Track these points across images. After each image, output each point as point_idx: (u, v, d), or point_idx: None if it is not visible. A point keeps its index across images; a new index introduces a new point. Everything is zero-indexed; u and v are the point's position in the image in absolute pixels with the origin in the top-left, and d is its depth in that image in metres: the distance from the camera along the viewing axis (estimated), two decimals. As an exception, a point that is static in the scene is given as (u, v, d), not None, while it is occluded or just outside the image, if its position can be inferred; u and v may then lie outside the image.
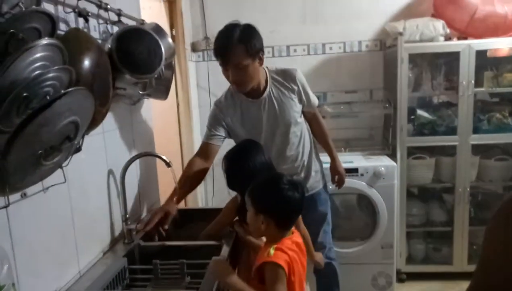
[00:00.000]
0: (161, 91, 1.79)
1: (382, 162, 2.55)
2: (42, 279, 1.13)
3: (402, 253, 2.71)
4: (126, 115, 1.74)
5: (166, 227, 1.63)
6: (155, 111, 2.42)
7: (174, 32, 2.71)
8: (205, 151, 1.88)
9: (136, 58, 1.40)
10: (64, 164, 1.14)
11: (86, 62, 1.17)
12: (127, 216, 1.58)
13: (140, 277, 1.45)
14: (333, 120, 2.93)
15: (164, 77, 1.67)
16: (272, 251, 1.19)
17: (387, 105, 2.71)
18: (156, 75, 1.51)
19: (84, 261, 1.35)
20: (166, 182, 2.03)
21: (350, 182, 2.43)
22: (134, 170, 1.80)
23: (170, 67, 1.80)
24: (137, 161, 1.80)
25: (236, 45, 1.63)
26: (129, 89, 1.52)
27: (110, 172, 1.56)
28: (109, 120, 1.57)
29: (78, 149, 1.30)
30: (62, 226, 1.23)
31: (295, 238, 1.28)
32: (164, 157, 1.63)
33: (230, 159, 1.64)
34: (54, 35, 1.05)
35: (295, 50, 2.94)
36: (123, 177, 1.56)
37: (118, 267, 1.38)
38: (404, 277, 2.77)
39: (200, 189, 2.90)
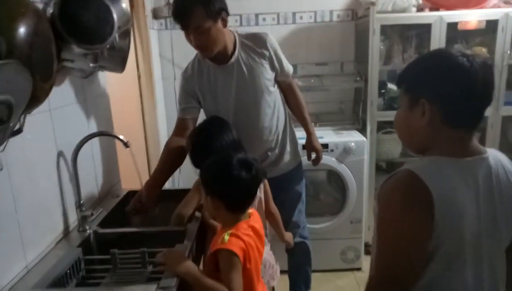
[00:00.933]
0: (117, 63, 1.62)
1: (352, 137, 2.51)
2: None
3: (371, 226, 2.73)
4: (77, 90, 1.56)
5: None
6: (114, 85, 2.24)
7: (133, -3, 2.48)
8: (182, 128, 1.77)
9: (83, 26, 1.23)
10: (1, 149, 0.99)
11: (21, 30, 0.99)
12: (81, 201, 1.45)
13: (98, 268, 1.34)
14: (303, 93, 2.81)
15: (119, 47, 1.50)
16: (226, 237, 1.12)
17: (358, 78, 2.64)
18: (108, 46, 1.34)
19: (32, 254, 1.22)
20: (129, 161, 1.89)
21: (320, 157, 2.38)
22: (89, 151, 1.65)
23: (127, 35, 1.62)
24: (94, 141, 1.65)
25: (194, 7, 1.50)
26: (78, 61, 1.35)
27: (60, 154, 1.41)
28: (57, 97, 1.40)
29: (18, 131, 1.14)
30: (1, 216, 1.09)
31: (252, 221, 1.22)
32: (121, 137, 1.49)
33: (195, 138, 1.53)
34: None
35: (264, 19, 2.79)
36: (74, 160, 1.41)
37: (72, 259, 1.26)
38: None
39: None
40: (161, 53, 2.80)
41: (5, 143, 0.99)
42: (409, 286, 0.85)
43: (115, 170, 1.91)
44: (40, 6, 1.23)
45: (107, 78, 1.86)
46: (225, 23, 1.61)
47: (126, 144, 1.50)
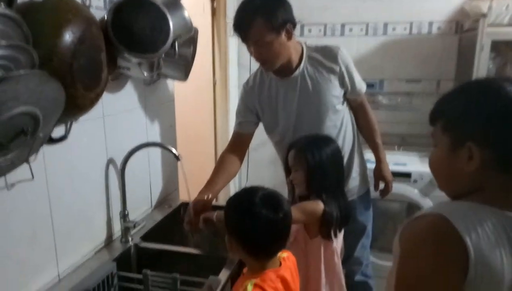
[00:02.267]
0: (179, 71, 1.56)
1: (442, 169, 2.14)
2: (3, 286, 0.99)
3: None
4: (138, 97, 1.55)
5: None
6: (187, 92, 2.23)
7: (215, 4, 2.46)
8: (236, 142, 1.68)
9: (136, 34, 1.18)
10: (31, 159, 0.97)
11: (64, 38, 0.96)
12: (126, 211, 1.41)
13: (129, 287, 1.28)
14: (387, 112, 2.54)
15: (181, 56, 1.44)
16: (249, 287, 0.95)
17: (455, 100, 2.25)
18: (164, 54, 1.28)
19: (66, 263, 1.21)
20: (194, 172, 1.85)
21: (399, 187, 2.08)
22: (145, 159, 1.62)
23: (191, 43, 1.56)
24: (152, 148, 1.62)
25: (255, 18, 1.36)
26: (133, 69, 1.31)
27: (111, 162, 1.39)
28: (113, 103, 1.39)
29: (62, 138, 1.13)
30: (32, 226, 1.07)
31: (283, 270, 1.03)
32: (172, 149, 1.42)
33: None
34: (13, 3, 0.85)
35: (350, 30, 2.55)
36: (122, 169, 1.38)
37: (103, 273, 1.21)
38: None
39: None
40: (239, 61, 2.74)
41: (36, 153, 0.97)
42: None
43: (173, 179, 1.87)
44: (102, 13, 1.22)
45: (180, 85, 1.83)
46: (290, 36, 1.45)
47: (177, 158, 1.43)
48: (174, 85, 1.84)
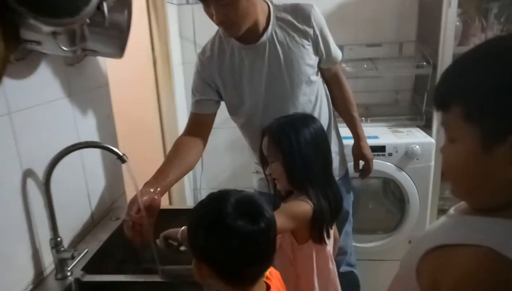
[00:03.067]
0: (112, 44, 1.18)
1: (416, 138, 1.99)
2: None
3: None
4: (59, 83, 1.16)
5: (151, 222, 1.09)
6: (124, 72, 1.84)
7: (146, -37, 2.04)
8: (194, 125, 1.37)
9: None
10: None
11: None
12: (58, 238, 1.05)
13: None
14: (350, 81, 2.32)
15: (112, 24, 1.07)
16: None
17: (424, 63, 2.10)
18: (88, 21, 0.91)
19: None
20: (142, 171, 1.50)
21: (375, 163, 1.90)
22: (79, 162, 1.25)
23: (125, 8, 1.18)
24: (84, 151, 1.24)
25: None
26: (47, 43, 0.92)
27: (28, 175, 1.01)
28: (24, 93, 1.00)
29: None
30: None
31: None
32: (114, 149, 1.08)
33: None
34: None
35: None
36: (47, 182, 1.01)
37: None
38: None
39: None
40: (181, 33, 2.36)
41: None
42: None
43: (117, 183, 1.51)
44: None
45: (114, 65, 1.44)
46: None
47: (122, 159, 1.09)
48: (107, 65, 1.46)
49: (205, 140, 1.38)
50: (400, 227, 2.05)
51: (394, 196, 2.10)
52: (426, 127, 2.13)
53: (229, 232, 0.71)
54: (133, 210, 1.06)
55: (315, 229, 1.10)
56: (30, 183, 1.02)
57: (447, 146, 0.58)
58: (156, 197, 1.11)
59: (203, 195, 2.57)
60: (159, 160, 2.20)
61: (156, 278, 1.06)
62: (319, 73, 1.39)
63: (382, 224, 2.11)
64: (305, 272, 1.15)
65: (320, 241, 1.12)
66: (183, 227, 1.03)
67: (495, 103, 0.49)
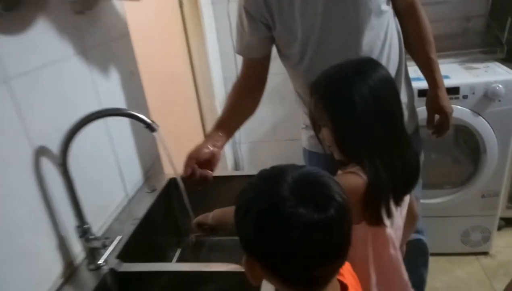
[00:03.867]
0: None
1: (499, 75, 1.64)
2: None
3: (505, 195, 1.96)
4: (68, 37, 0.94)
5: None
6: (146, 16, 1.60)
7: None
8: (249, 70, 1.20)
9: None
10: None
11: None
12: (86, 226, 0.89)
13: None
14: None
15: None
16: None
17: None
18: None
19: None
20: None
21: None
22: (102, 136, 1.07)
23: None
24: (111, 118, 1.05)
25: None
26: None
27: (41, 153, 0.83)
28: (23, 54, 0.79)
29: None
30: None
31: None
32: (141, 116, 0.88)
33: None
34: None
35: None
36: (63, 161, 0.83)
37: None
38: (501, 224, 2.06)
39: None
40: (209, -33, 2.04)
41: None
42: None
43: (150, 151, 1.33)
44: None
45: (134, 9, 1.21)
46: None
47: (151, 127, 0.88)
48: (126, 11, 1.22)
49: (263, 85, 1.22)
50: (472, 180, 1.78)
51: (466, 145, 1.81)
52: (507, 61, 1.77)
53: (288, 223, 0.53)
54: (191, 166, 1.04)
55: (369, 208, 0.86)
56: (45, 163, 0.84)
57: None
58: (216, 151, 1.09)
59: (242, 150, 2.39)
60: (195, 117, 2.02)
61: (202, 267, 0.89)
62: (390, 2, 1.09)
63: (451, 178, 1.85)
64: (359, 258, 0.93)
65: (377, 222, 0.88)
66: (214, 211, 0.95)
67: None
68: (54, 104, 0.88)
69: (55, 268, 0.87)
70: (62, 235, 0.88)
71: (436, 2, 1.88)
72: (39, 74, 0.84)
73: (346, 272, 0.70)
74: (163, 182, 1.26)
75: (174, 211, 1.27)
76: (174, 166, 1.00)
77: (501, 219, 2.04)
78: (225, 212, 0.93)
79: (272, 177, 0.57)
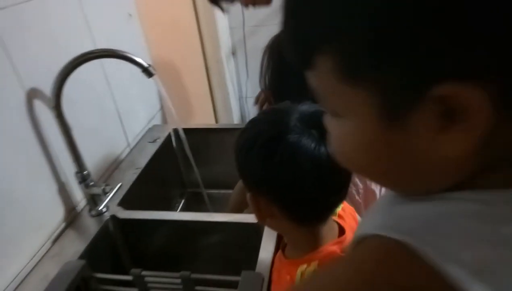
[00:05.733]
0: None
1: None
2: None
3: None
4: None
5: None
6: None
7: None
8: None
9: None
10: None
11: None
12: (85, 172, 0.87)
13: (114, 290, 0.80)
14: None
15: None
16: (299, 274, 0.56)
17: None
18: None
19: (13, 270, 0.72)
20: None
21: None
22: (101, 78, 1.02)
23: None
24: (107, 62, 1.00)
25: None
26: None
27: (33, 95, 0.79)
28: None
29: None
30: None
31: (348, 238, 0.59)
32: (137, 59, 0.83)
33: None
34: None
35: None
36: (57, 104, 0.78)
37: (69, 283, 0.72)
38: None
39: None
40: None
41: None
42: None
43: (152, 101, 1.29)
44: None
45: None
46: None
47: (148, 72, 0.83)
48: None
49: None
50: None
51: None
52: None
53: (297, 148, 0.52)
54: None
55: None
56: (39, 106, 0.80)
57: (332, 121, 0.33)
58: None
59: (249, 104, 2.33)
60: (199, 67, 1.94)
61: (204, 217, 0.87)
62: None
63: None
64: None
65: None
66: None
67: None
68: (43, 43, 0.82)
69: (57, 213, 0.86)
70: (62, 181, 0.86)
71: None
72: (23, 8, 0.78)
73: (348, 216, 0.68)
74: (166, 133, 1.22)
75: (178, 162, 1.24)
76: (175, 115, 0.96)
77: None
78: None
79: (280, 110, 0.56)
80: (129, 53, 0.83)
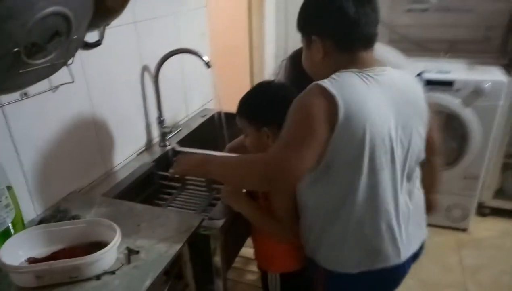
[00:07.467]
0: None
1: (490, 76, 2.00)
2: (58, 179, 1.11)
3: (491, 186, 2.30)
4: (167, 3, 1.51)
5: None
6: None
7: None
8: None
9: None
10: (69, 62, 1.01)
11: None
12: (162, 118, 1.48)
13: (168, 184, 1.39)
14: (437, 14, 2.34)
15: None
16: None
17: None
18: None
19: (112, 162, 1.32)
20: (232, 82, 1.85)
21: (440, 97, 2.01)
22: (179, 68, 1.64)
23: None
24: (185, 58, 1.62)
25: None
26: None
27: (145, 69, 1.42)
28: (144, 9, 1.37)
29: (97, 43, 1.16)
30: (79, 127, 1.16)
31: None
32: (202, 56, 1.42)
33: None
34: None
35: None
36: (156, 76, 1.41)
37: (143, 172, 1.32)
38: (487, 211, 2.40)
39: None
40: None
41: (73, 57, 1.00)
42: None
43: (207, 91, 1.90)
44: None
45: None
46: None
47: (207, 64, 1.43)
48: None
49: None
50: (456, 162, 2.15)
51: (455, 131, 2.16)
52: (508, 67, 2.10)
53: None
54: None
55: None
56: (146, 75, 1.43)
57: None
58: None
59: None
60: (245, 79, 2.55)
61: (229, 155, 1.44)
62: None
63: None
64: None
65: None
66: None
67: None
68: (154, 41, 1.46)
69: (142, 138, 1.47)
70: (149, 121, 1.48)
71: (465, 10, 2.24)
72: (150, 22, 1.42)
73: None
74: (212, 113, 1.82)
75: (216, 132, 1.82)
76: (220, 102, 1.54)
77: (487, 207, 2.38)
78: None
79: None
80: (199, 51, 1.44)
